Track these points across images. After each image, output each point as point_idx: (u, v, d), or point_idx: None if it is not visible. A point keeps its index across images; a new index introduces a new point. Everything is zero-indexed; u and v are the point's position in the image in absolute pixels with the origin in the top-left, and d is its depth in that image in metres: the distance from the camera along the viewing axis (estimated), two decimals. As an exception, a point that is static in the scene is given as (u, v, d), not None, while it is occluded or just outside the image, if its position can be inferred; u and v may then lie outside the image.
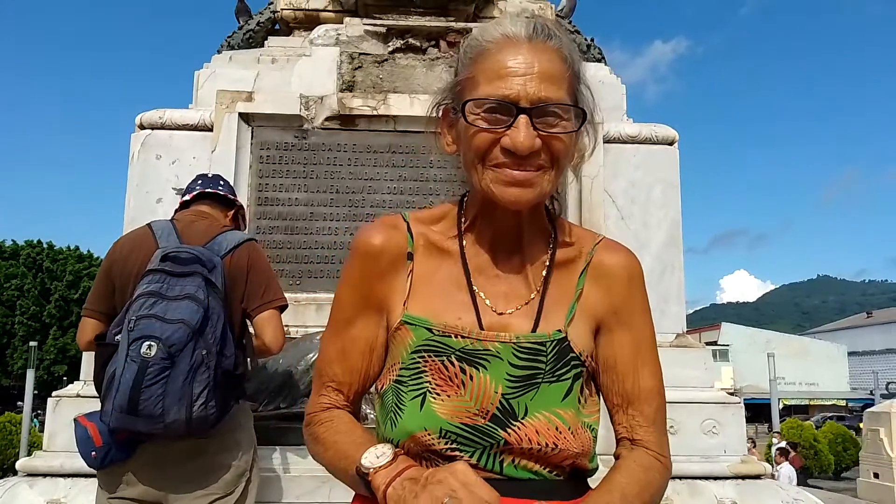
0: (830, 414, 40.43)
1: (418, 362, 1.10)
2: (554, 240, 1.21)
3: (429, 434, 1.07)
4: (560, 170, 1.11)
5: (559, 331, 1.12)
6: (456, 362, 1.09)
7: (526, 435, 1.06)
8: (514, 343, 1.10)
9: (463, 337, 1.10)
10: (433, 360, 1.10)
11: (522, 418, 1.06)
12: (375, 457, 1.03)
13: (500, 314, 1.14)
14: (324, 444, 1.16)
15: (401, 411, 1.09)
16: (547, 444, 1.05)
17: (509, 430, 1.06)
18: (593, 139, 1.19)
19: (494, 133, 1.07)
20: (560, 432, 1.07)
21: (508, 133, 1.06)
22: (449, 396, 1.07)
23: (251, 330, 2.73)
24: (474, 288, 1.16)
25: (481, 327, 1.12)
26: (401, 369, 1.12)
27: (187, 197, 2.87)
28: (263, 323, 2.66)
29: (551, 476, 1.07)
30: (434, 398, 1.08)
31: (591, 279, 1.18)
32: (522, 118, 1.05)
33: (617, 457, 1.17)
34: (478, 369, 1.08)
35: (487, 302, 1.15)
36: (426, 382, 1.09)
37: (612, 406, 1.19)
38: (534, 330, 1.12)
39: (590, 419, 1.13)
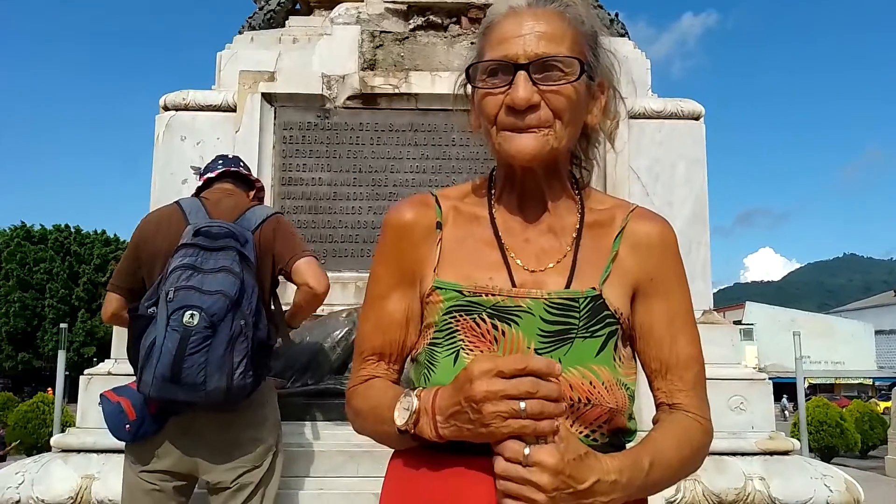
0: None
1: (450, 323, 1.11)
2: (582, 206, 1.22)
3: None
4: (567, 125, 1.11)
5: (593, 288, 1.12)
6: (488, 319, 1.09)
7: None
8: (545, 299, 1.10)
9: (494, 295, 1.11)
10: (465, 319, 1.10)
11: None
12: (404, 409, 1.04)
13: (533, 272, 1.14)
14: (363, 415, 1.18)
15: (434, 367, 1.11)
16: (580, 399, 1.05)
17: None
18: (622, 104, 1.21)
19: (498, 94, 1.11)
20: (594, 387, 1.06)
21: (509, 91, 1.09)
22: (482, 352, 1.08)
23: (285, 292, 2.74)
24: (505, 248, 1.16)
25: (513, 285, 1.12)
26: (434, 332, 1.13)
27: (211, 174, 2.89)
28: (303, 269, 2.66)
29: (588, 441, 1.06)
30: (467, 354, 1.09)
31: (626, 244, 1.18)
32: (521, 74, 1.08)
33: (655, 422, 1.17)
34: (510, 325, 1.09)
35: (519, 261, 1.15)
36: (459, 340, 1.10)
37: (650, 372, 1.18)
38: (567, 287, 1.12)
39: (626, 378, 1.12)
